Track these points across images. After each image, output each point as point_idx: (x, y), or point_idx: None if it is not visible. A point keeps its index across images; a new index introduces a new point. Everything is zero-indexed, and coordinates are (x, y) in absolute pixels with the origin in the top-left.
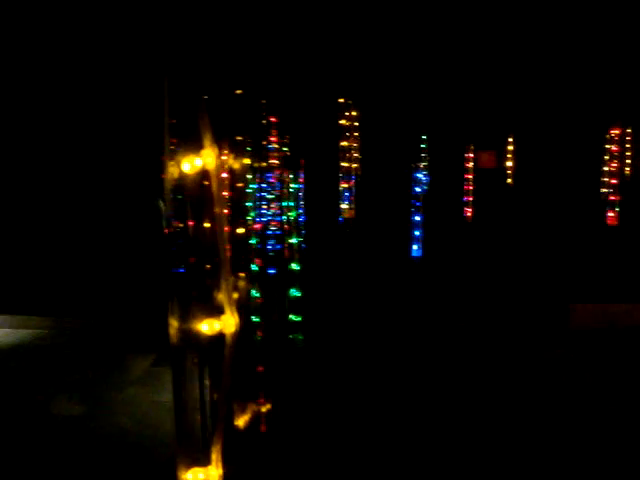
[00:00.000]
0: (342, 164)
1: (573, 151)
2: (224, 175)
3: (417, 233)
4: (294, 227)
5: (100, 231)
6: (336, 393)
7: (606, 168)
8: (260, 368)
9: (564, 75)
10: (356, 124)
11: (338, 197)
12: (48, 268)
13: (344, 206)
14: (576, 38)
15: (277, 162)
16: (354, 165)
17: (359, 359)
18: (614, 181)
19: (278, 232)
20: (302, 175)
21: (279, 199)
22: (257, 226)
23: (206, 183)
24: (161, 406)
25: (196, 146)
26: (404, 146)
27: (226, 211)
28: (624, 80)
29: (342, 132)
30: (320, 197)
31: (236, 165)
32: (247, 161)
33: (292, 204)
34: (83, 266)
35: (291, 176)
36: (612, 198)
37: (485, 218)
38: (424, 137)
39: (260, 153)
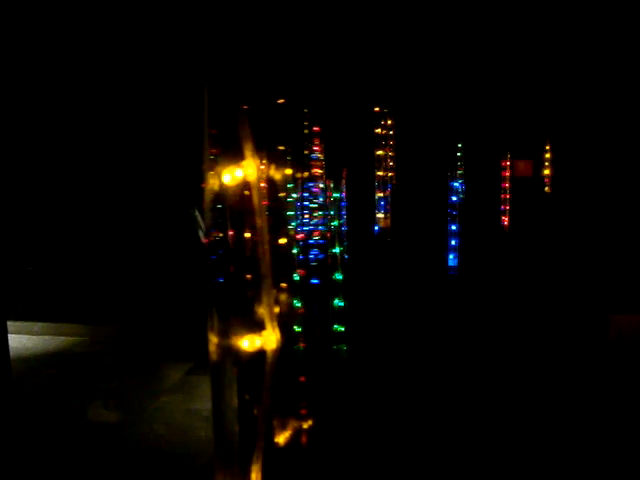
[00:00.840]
0: (378, 173)
1: (612, 158)
2: (265, 185)
3: (453, 242)
4: (337, 237)
5: (138, 240)
6: (381, 405)
7: None
8: (302, 379)
9: (602, 81)
10: (391, 133)
11: (374, 206)
12: (87, 276)
13: (380, 215)
14: (615, 45)
15: (320, 171)
16: (390, 174)
17: (400, 370)
18: None
19: (321, 242)
20: (344, 185)
21: (321, 208)
22: (299, 236)
23: (247, 193)
24: (195, 414)
25: (237, 157)
26: (440, 154)
27: (267, 221)
28: None
29: (378, 141)
30: (359, 206)
31: (277, 175)
32: (289, 171)
33: (332, 213)
34: (121, 274)
35: (332, 185)
36: None
37: (522, 227)
38: (460, 145)
39: (302, 162)
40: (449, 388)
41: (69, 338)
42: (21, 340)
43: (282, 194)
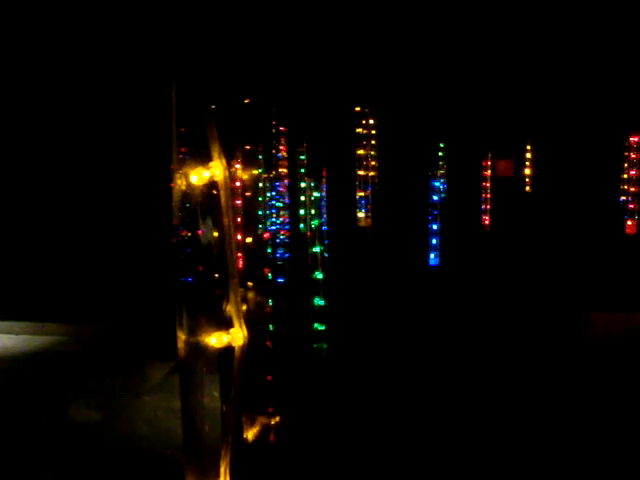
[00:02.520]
0: (359, 172)
1: (592, 159)
2: (234, 184)
3: (434, 242)
4: (317, 236)
5: (120, 239)
6: (361, 402)
7: (625, 176)
8: (269, 377)
9: (583, 82)
10: (373, 132)
11: (355, 205)
12: (67, 275)
13: (361, 214)
14: (596, 45)
15: (285, 171)
16: (371, 173)
17: (378, 367)
18: (633, 189)
19: (287, 240)
20: (325, 184)
21: (288, 208)
22: (266, 235)
23: (215, 192)
24: (177, 413)
25: (204, 157)
26: (421, 154)
27: (237, 220)
28: None
29: (359, 140)
30: (339, 205)
31: (245, 175)
32: (255, 171)
33: (313, 212)
34: (102, 273)
35: (312, 184)
36: (631, 206)
37: (503, 226)
38: (441, 145)
39: (270, 162)
40: (431, 385)
41: (51, 337)
42: (1, 340)
43: (248, 193)
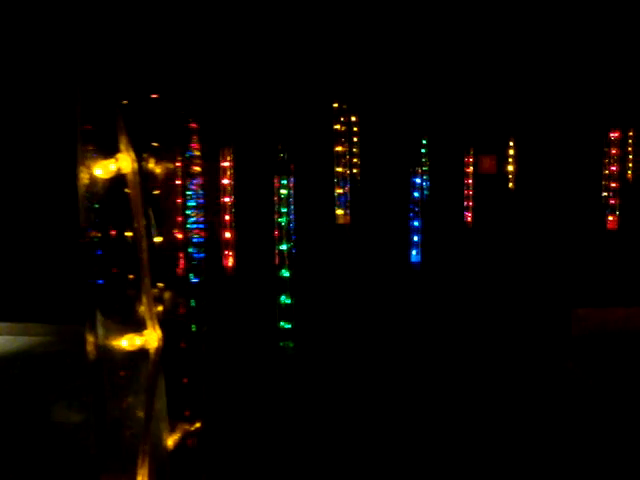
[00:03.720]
0: (337, 169)
1: (574, 155)
2: (147, 182)
3: (416, 239)
4: (284, 233)
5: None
6: (326, 401)
7: (606, 172)
8: (185, 380)
9: (564, 78)
10: (355, 129)
11: (333, 202)
12: (48, 275)
13: (339, 212)
14: (576, 41)
15: (198, 169)
16: (350, 171)
17: (352, 366)
18: (614, 185)
19: (201, 240)
20: (292, 180)
21: (205, 208)
22: (180, 235)
23: (127, 191)
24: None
25: (110, 150)
26: (402, 150)
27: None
28: (624, 82)
29: (337, 137)
30: (313, 202)
31: (157, 169)
32: (170, 165)
33: (284, 210)
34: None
35: (283, 182)
36: (612, 202)
37: (486, 223)
38: (424, 142)
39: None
40: (408, 383)
41: (33, 338)
42: None
43: (157, 192)
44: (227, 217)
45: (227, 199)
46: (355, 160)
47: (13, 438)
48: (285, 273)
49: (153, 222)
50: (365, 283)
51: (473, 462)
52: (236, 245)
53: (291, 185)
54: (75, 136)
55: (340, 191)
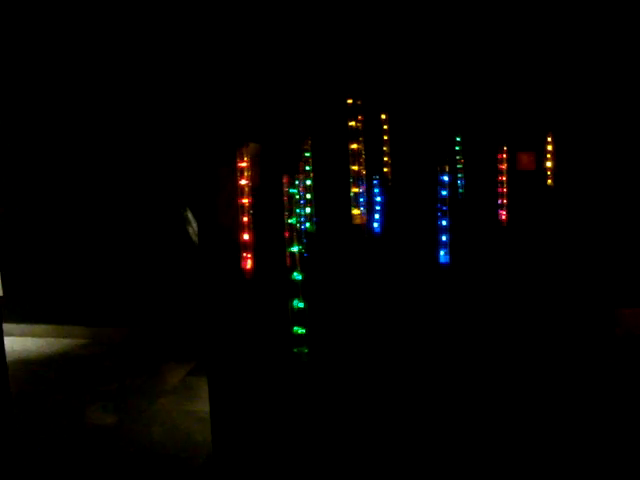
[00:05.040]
0: (353, 168)
1: (616, 149)
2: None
3: (444, 238)
4: (295, 235)
5: (137, 241)
6: (342, 409)
7: None
8: None
9: (605, 71)
10: (384, 127)
11: (349, 202)
12: (90, 278)
13: (356, 212)
14: (616, 32)
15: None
16: (364, 170)
17: (371, 374)
18: None
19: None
20: (302, 181)
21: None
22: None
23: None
24: (192, 415)
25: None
26: (429, 148)
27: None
28: None
29: (352, 134)
30: (326, 202)
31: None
32: None
33: (298, 211)
34: (123, 275)
35: (297, 182)
36: None
37: (522, 221)
38: (458, 139)
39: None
40: (435, 393)
41: (72, 340)
42: (25, 343)
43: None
44: (245, 219)
45: (245, 200)
46: (386, 159)
47: (48, 440)
48: (297, 276)
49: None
50: (386, 285)
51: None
52: (254, 248)
53: (301, 186)
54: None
55: (356, 190)
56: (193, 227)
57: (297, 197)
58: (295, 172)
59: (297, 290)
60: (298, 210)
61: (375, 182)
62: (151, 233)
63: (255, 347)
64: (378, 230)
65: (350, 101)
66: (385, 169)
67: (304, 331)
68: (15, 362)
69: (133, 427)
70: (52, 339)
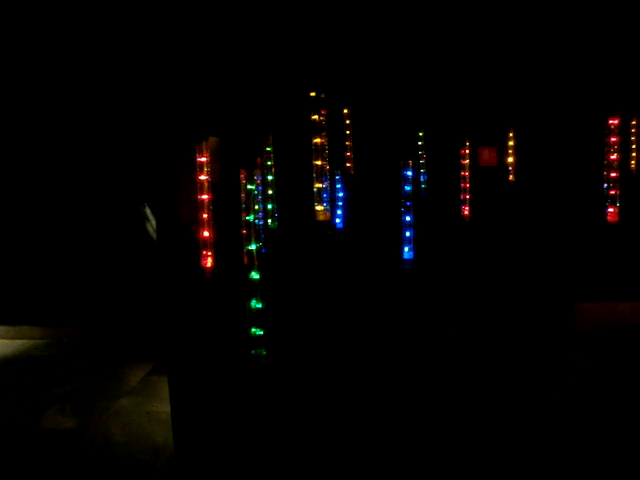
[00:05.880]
0: (316, 162)
1: (575, 144)
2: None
3: (408, 234)
4: (252, 232)
5: (92, 239)
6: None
7: (606, 161)
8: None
9: (563, 66)
10: (348, 121)
11: (312, 198)
12: (44, 278)
13: (319, 208)
14: (575, 27)
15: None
16: (332, 164)
17: (334, 376)
18: (613, 174)
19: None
20: (259, 176)
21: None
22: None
23: None
24: (152, 416)
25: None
26: (393, 142)
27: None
28: (625, 68)
29: (315, 128)
30: (289, 198)
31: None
32: None
33: (260, 206)
34: (79, 275)
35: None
36: (612, 193)
37: (485, 217)
38: (420, 134)
39: None
40: (398, 393)
41: (28, 341)
42: None
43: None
44: (205, 215)
45: (205, 196)
46: (348, 153)
47: (2, 445)
48: (255, 275)
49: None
50: (349, 283)
51: (476, 460)
52: (215, 245)
53: (258, 181)
54: None
55: (319, 186)
56: (152, 224)
57: (255, 193)
58: (253, 167)
59: (255, 290)
60: (257, 206)
61: (337, 177)
62: (110, 230)
63: (214, 348)
64: (340, 226)
65: (313, 94)
66: (347, 164)
67: (262, 332)
68: None
69: (92, 430)
70: (7, 340)
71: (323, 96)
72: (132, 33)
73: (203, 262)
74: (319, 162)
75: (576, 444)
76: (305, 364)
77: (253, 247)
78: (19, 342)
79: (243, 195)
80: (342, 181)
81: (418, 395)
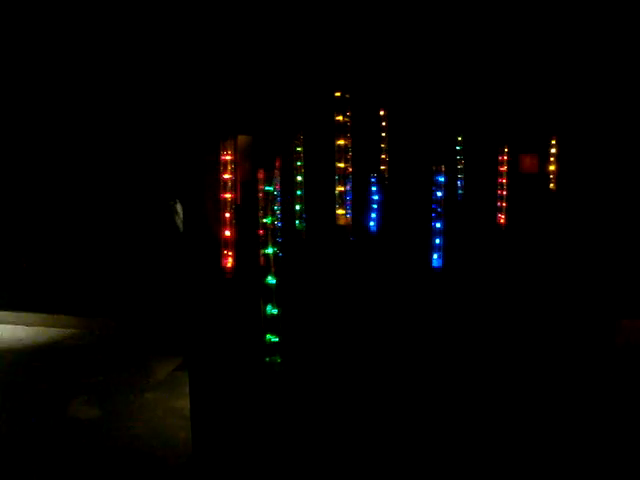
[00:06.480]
0: (339, 165)
1: (623, 155)
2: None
3: (438, 241)
4: (269, 235)
5: (128, 233)
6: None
7: None
8: None
9: (608, 73)
10: (381, 123)
11: (334, 202)
12: (82, 268)
13: (340, 212)
14: (624, 38)
15: None
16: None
17: (354, 387)
18: None
19: None
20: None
21: None
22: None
23: None
24: (176, 412)
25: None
26: (424, 146)
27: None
28: None
29: (339, 130)
30: (309, 201)
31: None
32: None
33: (276, 208)
34: (114, 268)
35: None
36: None
37: (522, 225)
38: (459, 138)
39: None
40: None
41: (63, 330)
42: (15, 331)
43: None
44: (227, 214)
45: (228, 195)
46: (383, 156)
47: (28, 432)
48: (271, 280)
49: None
50: (372, 290)
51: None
52: (236, 245)
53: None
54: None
55: (341, 189)
56: (181, 220)
57: (275, 194)
58: (272, 168)
59: (271, 295)
60: (276, 208)
61: (372, 180)
62: (147, 226)
63: (232, 348)
64: (374, 229)
65: (338, 94)
66: (382, 167)
67: (277, 339)
68: (3, 351)
69: (115, 422)
70: (43, 328)
71: (348, 96)
72: (164, 31)
73: (224, 262)
74: (342, 164)
75: (603, 458)
76: (321, 370)
77: (270, 251)
78: (55, 330)
79: (261, 196)
80: (377, 184)
81: (441, 408)
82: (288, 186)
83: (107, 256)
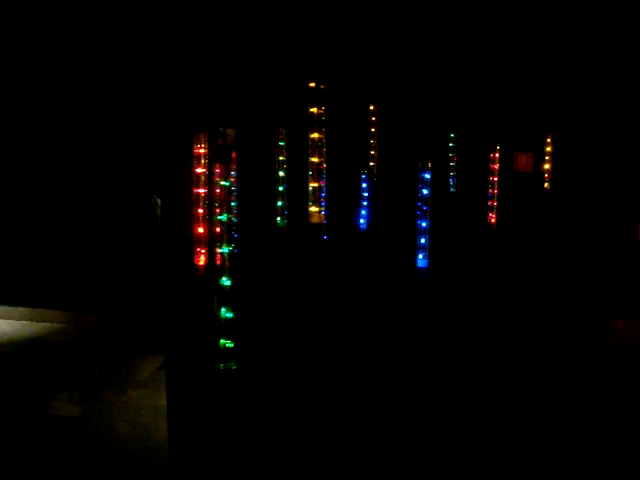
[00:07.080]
0: (312, 159)
1: (615, 153)
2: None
3: (423, 241)
4: (225, 233)
5: (119, 230)
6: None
7: None
8: None
9: (605, 71)
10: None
11: (307, 199)
12: (69, 263)
13: (313, 209)
14: (623, 31)
15: None
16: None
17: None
18: None
19: None
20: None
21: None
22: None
23: None
24: (159, 411)
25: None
26: (413, 143)
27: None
28: None
29: (312, 122)
30: (255, 196)
31: None
32: None
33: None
34: (101, 263)
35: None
36: None
37: (514, 225)
38: (451, 135)
39: None
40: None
41: (49, 324)
42: (0, 325)
43: None
44: (200, 210)
45: (201, 190)
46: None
47: (6, 430)
48: (226, 282)
49: None
50: (345, 292)
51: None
52: (209, 242)
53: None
54: None
55: (315, 185)
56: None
57: (233, 189)
58: (227, 161)
59: (225, 297)
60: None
61: (363, 177)
62: (134, 221)
63: (202, 348)
64: (364, 227)
65: (312, 84)
66: (371, 163)
67: (232, 344)
68: None
69: (97, 420)
70: (28, 322)
71: (323, 87)
72: (140, 31)
73: (196, 259)
74: (316, 159)
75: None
76: (287, 379)
77: (225, 250)
78: (41, 325)
79: (218, 192)
80: (367, 181)
81: (425, 415)
82: (247, 181)
83: (94, 251)
